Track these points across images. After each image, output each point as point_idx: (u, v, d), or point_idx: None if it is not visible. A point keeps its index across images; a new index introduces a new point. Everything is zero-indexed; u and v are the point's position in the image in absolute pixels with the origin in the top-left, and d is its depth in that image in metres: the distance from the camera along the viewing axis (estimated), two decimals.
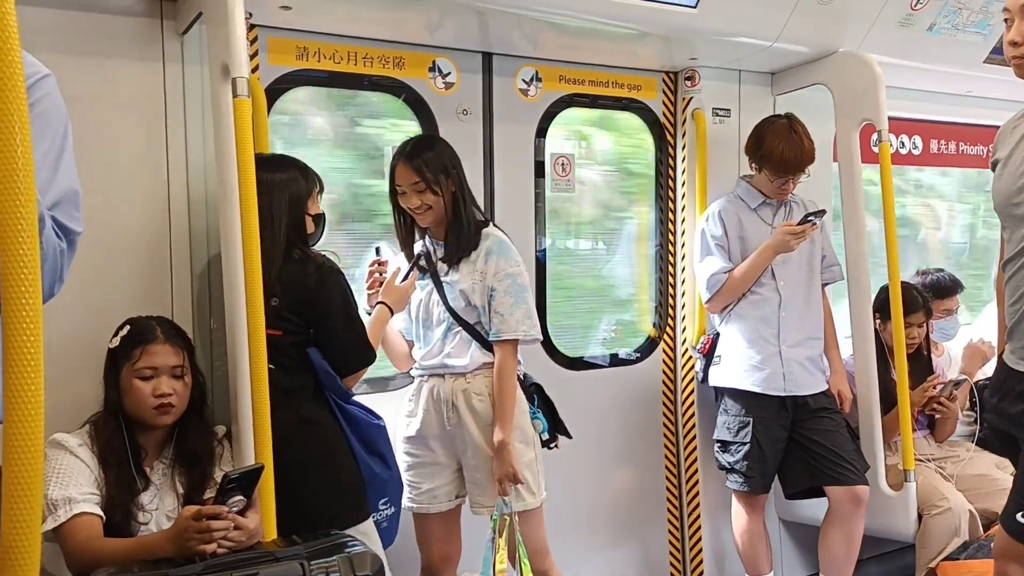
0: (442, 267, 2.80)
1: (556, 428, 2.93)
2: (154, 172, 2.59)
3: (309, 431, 2.39)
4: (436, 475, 2.80)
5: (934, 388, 3.61)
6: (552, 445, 2.91)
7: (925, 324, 3.75)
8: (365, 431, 2.49)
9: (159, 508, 2.15)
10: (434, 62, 3.18)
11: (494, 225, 2.89)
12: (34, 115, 1.28)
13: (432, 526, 2.81)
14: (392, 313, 2.71)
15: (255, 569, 1.83)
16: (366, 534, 2.38)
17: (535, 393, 2.90)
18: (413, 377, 2.92)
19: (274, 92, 2.90)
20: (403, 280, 2.78)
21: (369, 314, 2.76)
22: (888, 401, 3.48)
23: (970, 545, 3.31)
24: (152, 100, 2.59)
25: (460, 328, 2.79)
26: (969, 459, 3.70)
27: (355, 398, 2.57)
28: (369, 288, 2.78)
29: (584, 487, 3.59)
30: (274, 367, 2.26)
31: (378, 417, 2.58)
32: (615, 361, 3.73)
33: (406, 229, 2.86)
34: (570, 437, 2.98)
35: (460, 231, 2.76)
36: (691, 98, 3.65)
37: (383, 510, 2.54)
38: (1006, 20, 2.21)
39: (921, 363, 3.75)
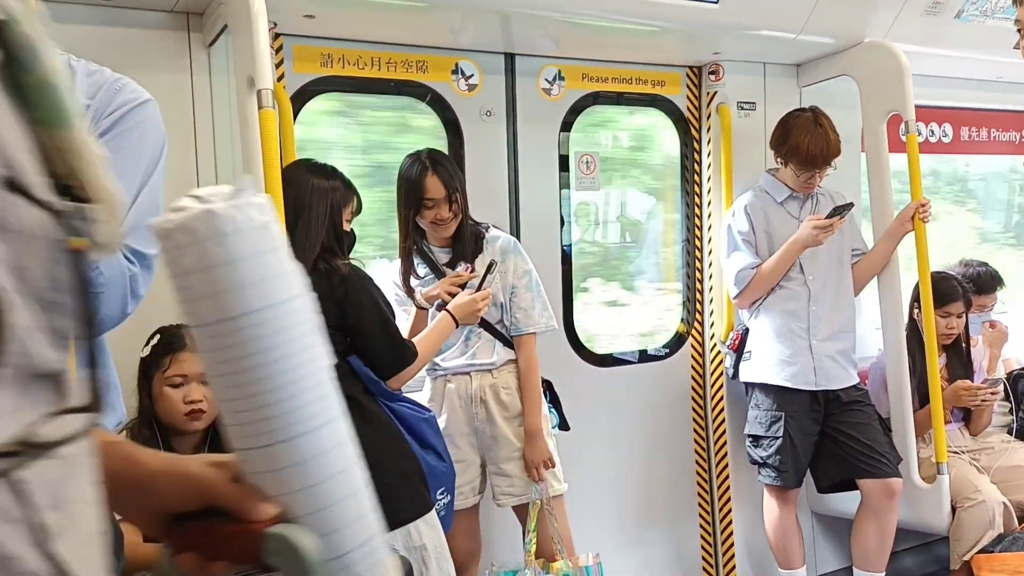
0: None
1: (563, 422, 3.09)
2: (184, 182, 2.63)
3: (378, 429, 2.46)
4: (462, 472, 2.85)
5: (968, 391, 3.55)
6: None
7: (964, 315, 3.69)
8: (416, 427, 2.56)
9: None
10: (457, 64, 3.21)
11: (494, 226, 2.98)
12: (132, 139, 1.34)
13: (459, 522, 2.86)
14: (457, 325, 2.75)
15: None
16: (431, 524, 2.49)
17: (546, 389, 3.02)
18: (427, 378, 2.98)
19: (300, 99, 2.95)
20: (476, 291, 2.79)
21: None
22: (926, 391, 3.45)
23: (1004, 538, 3.27)
24: (181, 111, 2.65)
25: (482, 330, 2.87)
26: (1003, 451, 3.66)
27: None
28: (449, 292, 2.79)
29: (615, 483, 3.61)
30: None
31: (426, 410, 2.67)
32: (644, 357, 3.74)
33: (417, 241, 2.89)
34: (568, 429, 3.10)
35: (466, 235, 2.86)
36: (715, 92, 3.64)
37: (440, 499, 2.62)
38: (1020, 31, 2.24)
39: (959, 355, 3.70)
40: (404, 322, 2.86)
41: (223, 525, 0.76)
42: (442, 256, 2.90)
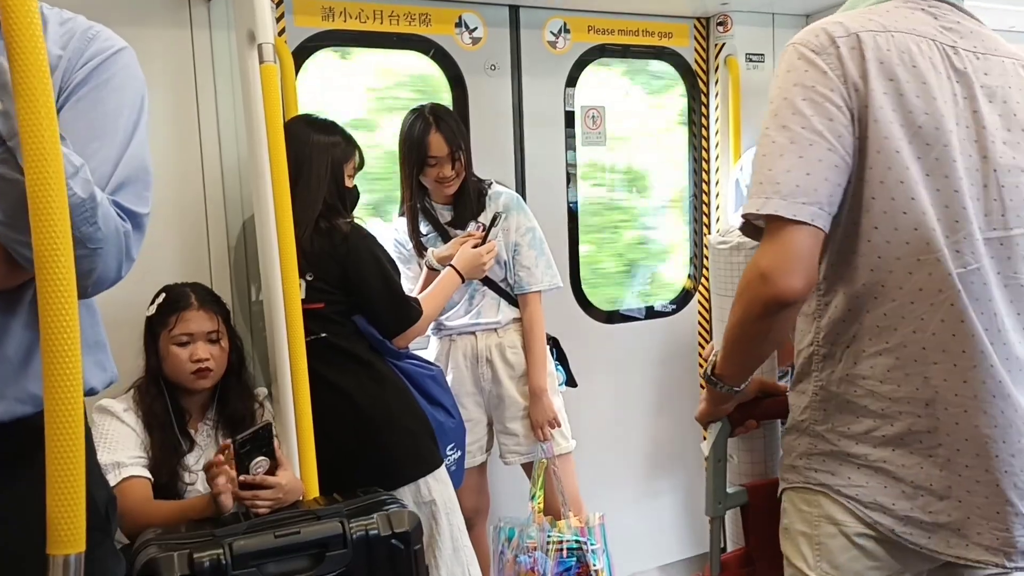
0: (455, 232, 2.85)
1: (570, 379, 3.09)
2: (186, 139, 2.62)
3: (385, 387, 2.46)
4: (469, 431, 2.85)
5: None
6: None
7: None
8: (423, 384, 2.57)
9: None
10: (460, 17, 3.15)
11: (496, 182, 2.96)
12: (110, 91, 1.26)
13: (467, 480, 2.87)
14: (463, 280, 2.72)
15: (297, 528, 1.88)
16: (440, 479, 2.50)
17: (553, 346, 3.02)
18: (430, 338, 2.97)
19: (301, 53, 2.91)
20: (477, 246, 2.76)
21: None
22: None
23: None
24: (181, 67, 2.61)
25: (486, 288, 2.85)
26: None
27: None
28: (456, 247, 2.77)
29: (623, 438, 3.62)
30: (327, 335, 2.38)
31: (433, 366, 2.67)
32: (650, 313, 3.72)
33: (419, 198, 2.86)
34: (575, 386, 3.10)
35: (468, 193, 2.83)
36: (723, 44, 3.58)
37: (451, 455, 2.64)
38: None
39: None
40: (410, 280, 2.85)
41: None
42: (445, 214, 2.88)
